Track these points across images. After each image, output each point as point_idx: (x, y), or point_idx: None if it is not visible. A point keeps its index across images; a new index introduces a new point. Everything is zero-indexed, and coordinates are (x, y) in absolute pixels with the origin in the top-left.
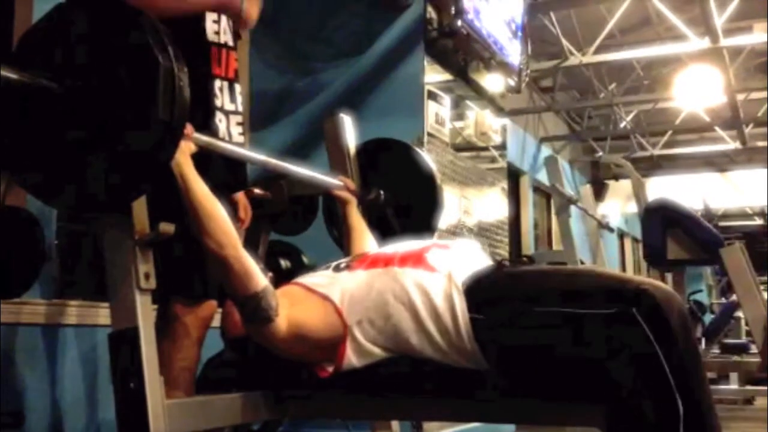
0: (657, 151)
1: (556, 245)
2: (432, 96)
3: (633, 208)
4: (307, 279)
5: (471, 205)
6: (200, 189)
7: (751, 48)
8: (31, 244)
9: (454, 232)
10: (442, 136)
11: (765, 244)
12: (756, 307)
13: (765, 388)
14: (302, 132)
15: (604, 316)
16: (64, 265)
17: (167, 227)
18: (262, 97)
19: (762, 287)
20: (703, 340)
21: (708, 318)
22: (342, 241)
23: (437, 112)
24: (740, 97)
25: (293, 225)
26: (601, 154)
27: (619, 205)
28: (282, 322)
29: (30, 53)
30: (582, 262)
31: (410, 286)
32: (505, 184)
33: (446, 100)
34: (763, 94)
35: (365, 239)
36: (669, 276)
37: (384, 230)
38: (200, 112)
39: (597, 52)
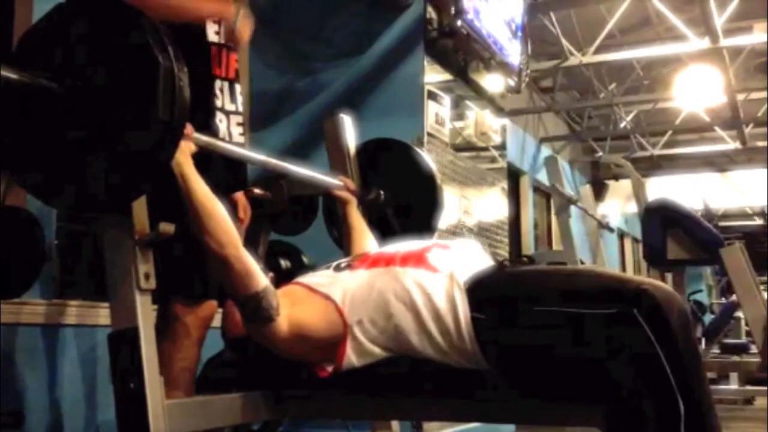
0: (657, 151)
1: (556, 245)
2: (432, 96)
3: (633, 208)
4: (308, 279)
5: (471, 205)
6: (201, 189)
7: (751, 48)
8: (31, 244)
9: (454, 232)
10: (442, 136)
11: (765, 244)
12: (756, 307)
13: (765, 388)
14: (302, 132)
15: (604, 316)
16: (64, 265)
17: (167, 227)
18: (262, 97)
19: (762, 287)
20: (703, 340)
21: (708, 318)
22: (342, 241)
23: (437, 112)
24: (740, 97)
25: (293, 225)
26: (601, 154)
27: (619, 205)
28: (283, 321)
29: (30, 53)
30: (582, 262)
31: (412, 286)
32: (505, 184)
33: (446, 100)
34: (763, 94)
35: (365, 239)
36: (669, 276)
37: (384, 230)
38: (200, 112)
39: (597, 52)
